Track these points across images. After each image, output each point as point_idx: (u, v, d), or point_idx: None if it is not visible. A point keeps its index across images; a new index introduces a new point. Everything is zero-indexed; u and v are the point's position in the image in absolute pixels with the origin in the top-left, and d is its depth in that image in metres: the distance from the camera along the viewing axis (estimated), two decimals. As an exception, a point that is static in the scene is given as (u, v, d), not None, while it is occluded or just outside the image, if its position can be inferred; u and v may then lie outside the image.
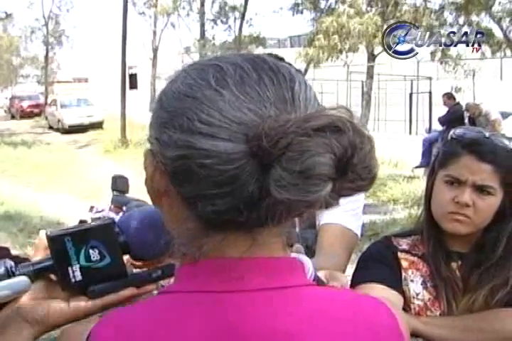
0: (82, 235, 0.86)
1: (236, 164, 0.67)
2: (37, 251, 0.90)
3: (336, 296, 0.80)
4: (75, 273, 0.86)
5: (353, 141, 0.65)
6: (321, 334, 0.72)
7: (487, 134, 1.55)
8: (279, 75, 0.72)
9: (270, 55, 1.09)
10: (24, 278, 0.85)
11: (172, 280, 0.82)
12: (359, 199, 1.89)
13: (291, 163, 0.63)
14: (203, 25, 28.62)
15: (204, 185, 0.69)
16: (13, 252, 1.61)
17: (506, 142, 1.55)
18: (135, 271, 0.95)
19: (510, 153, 1.53)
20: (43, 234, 0.89)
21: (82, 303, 0.87)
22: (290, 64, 1.05)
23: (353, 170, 0.65)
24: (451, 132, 1.60)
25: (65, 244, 0.85)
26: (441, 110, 12.50)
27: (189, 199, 0.72)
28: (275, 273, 0.73)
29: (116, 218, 0.92)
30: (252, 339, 0.71)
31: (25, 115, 31.72)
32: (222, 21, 27.93)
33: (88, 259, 0.86)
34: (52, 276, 0.88)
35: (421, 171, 10.83)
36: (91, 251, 0.86)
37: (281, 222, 0.71)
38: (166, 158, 0.72)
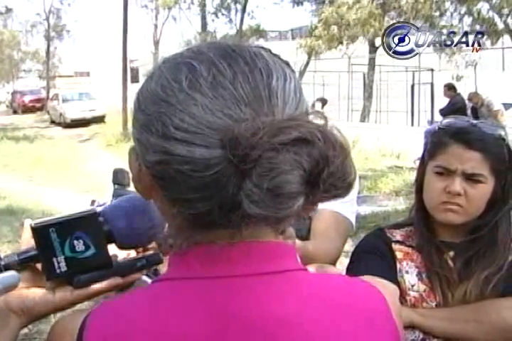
0: (67, 226, 0.86)
1: (213, 170, 0.66)
2: (22, 240, 0.90)
3: (330, 281, 0.80)
4: (60, 264, 0.86)
5: (324, 152, 0.63)
6: (315, 319, 0.72)
7: (474, 122, 1.53)
8: (255, 71, 0.70)
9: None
10: (14, 273, 0.86)
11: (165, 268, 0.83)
12: None
13: (260, 179, 0.62)
14: (204, 18, 28.59)
15: (184, 189, 0.69)
16: (15, 246, 1.61)
17: (494, 129, 1.52)
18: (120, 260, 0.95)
19: (498, 140, 1.51)
20: (27, 223, 0.88)
21: (67, 293, 0.87)
22: (275, 55, 1.03)
23: (327, 181, 0.64)
24: (438, 122, 1.59)
25: (49, 235, 0.85)
26: (443, 101, 12.45)
27: (172, 201, 0.72)
28: (267, 258, 0.73)
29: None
30: (247, 325, 0.71)
31: (27, 110, 31.79)
32: (223, 14, 27.85)
33: (73, 250, 0.86)
34: (38, 266, 0.88)
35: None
36: (75, 241, 0.86)
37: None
38: (147, 162, 0.72)
